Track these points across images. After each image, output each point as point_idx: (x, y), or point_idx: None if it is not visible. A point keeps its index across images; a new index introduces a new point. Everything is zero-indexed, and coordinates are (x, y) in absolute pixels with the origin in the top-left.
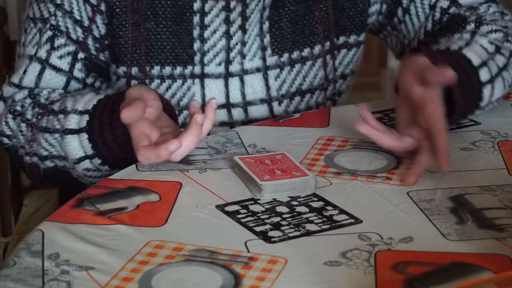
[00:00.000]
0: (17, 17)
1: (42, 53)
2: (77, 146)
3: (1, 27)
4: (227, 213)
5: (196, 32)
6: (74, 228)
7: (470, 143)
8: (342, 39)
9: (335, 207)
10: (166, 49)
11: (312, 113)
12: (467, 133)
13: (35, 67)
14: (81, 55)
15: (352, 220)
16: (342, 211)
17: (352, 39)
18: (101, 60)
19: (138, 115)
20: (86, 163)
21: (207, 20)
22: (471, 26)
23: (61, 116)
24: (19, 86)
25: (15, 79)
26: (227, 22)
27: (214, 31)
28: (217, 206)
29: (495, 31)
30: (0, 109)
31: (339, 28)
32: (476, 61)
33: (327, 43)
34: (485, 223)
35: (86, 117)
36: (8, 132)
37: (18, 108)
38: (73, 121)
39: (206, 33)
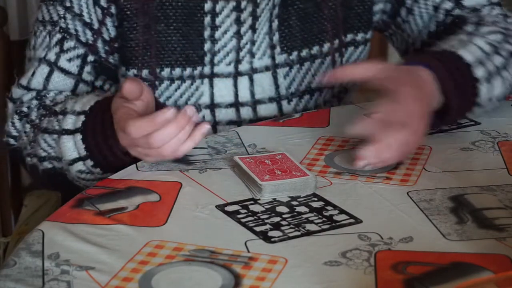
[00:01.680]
0: (17, 17)
1: (51, 56)
2: (71, 146)
3: (1, 27)
4: (227, 213)
5: (207, 33)
6: (74, 228)
7: (470, 143)
8: (349, 36)
9: (335, 207)
10: (177, 50)
11: (312, 113)
12: (467, 133)
13: (44, 69)
14: (90, 58)
15: (352, 220)
16: (342, 211)
17: (360, 36)
18: (110, 63)
19: (136, 92)
20: (80, 165)
21: (218, 21)
22: (470, 27)
23: (60, 117)
24: (27, 88)
25: (24, 81)
26: (238, 22)
27: (225, 32)
28: (217, 206)
29: (494, 32)
30: (9, 109)
31: (347, 25)
32: (469, 58)
33: (336, 41)
34: (485, 223)
35: (82, 118)
36: (15, 133)
37: (25, 109)
38: (69, 122)
39: (217, 34)
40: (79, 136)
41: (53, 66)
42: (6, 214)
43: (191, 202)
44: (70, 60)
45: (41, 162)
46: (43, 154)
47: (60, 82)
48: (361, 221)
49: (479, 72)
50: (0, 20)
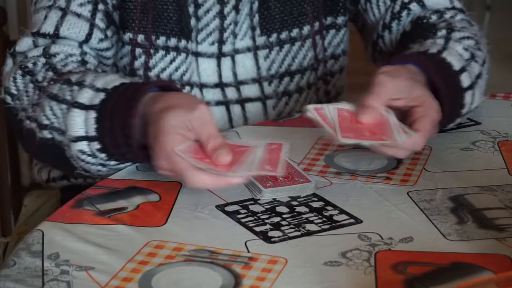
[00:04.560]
0: (17, 17)
1: (61, 3)
2: (80, 123)
3: (1, 27)
4: (227, 213)
5: (191, 9)
6: (74, 228)
7: (470, 143)
8: (329, 19)
9: (335, 207)
10: (173, 20)
11: None
12: (467, 133)
13: (56, 13)
14: (101, 6)
15: (352, 220)
16: (342, 211)
17: (340, 20)
18: (116, 20)
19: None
20: (83, 145)
21: None
22: (443, 32)
23: (75, 87)
24: (38, 33)
25: (33, 28)
26: (221, 2)
27: (208, 11)
28: (217, 206)
29: (467, 37)
30: (8, 66)
31: (326, 8)
32: (457, 65)
33: (316, 24)
34: (485, 223)
35: (101, 95)
36: (14, 91)
37: (30, 65)
38: (85, 96)
39: (200, 12)
40: (92, 114)
41: (66, 9)
42: (6, 214)
43: (191, 202)
44: (81, 5)
45: (41, 129)
46: (46, 122)
47: (74, 25)
48: (361, 221)
49: (466, 81)
50: (0, 20)
